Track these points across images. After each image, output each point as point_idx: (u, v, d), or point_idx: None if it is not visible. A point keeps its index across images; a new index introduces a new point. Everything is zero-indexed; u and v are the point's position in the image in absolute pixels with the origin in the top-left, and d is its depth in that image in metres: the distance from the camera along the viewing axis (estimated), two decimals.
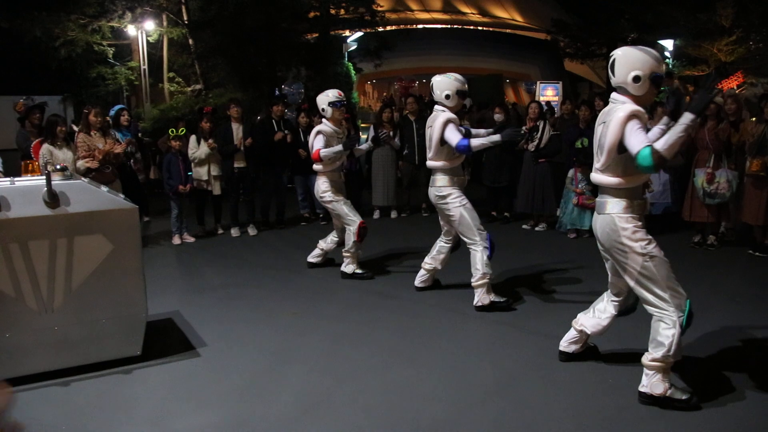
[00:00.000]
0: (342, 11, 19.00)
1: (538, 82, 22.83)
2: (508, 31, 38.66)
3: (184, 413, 3.93)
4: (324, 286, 6.60)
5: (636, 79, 3.70)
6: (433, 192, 5.83)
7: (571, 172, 8.49)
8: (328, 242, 7.19)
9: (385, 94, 30.15)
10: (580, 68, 32.51)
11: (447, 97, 5.68)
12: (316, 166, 6.72)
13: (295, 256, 7.68)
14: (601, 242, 4.01)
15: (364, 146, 7.44)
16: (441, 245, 6.18)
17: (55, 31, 16.08)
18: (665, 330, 3.75)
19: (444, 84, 5.69)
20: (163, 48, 18.71)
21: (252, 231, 9.09)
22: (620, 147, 3.72)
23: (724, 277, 6.65)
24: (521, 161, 9.16)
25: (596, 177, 3.97)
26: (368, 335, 5.20)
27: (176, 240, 8.55)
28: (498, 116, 9.44)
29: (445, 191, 5.72)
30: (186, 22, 17.79)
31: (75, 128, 8.37)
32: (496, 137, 5.62)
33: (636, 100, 3.76)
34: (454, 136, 5.52)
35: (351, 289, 6.43)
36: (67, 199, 4.36)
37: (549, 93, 21.69)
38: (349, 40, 20.77)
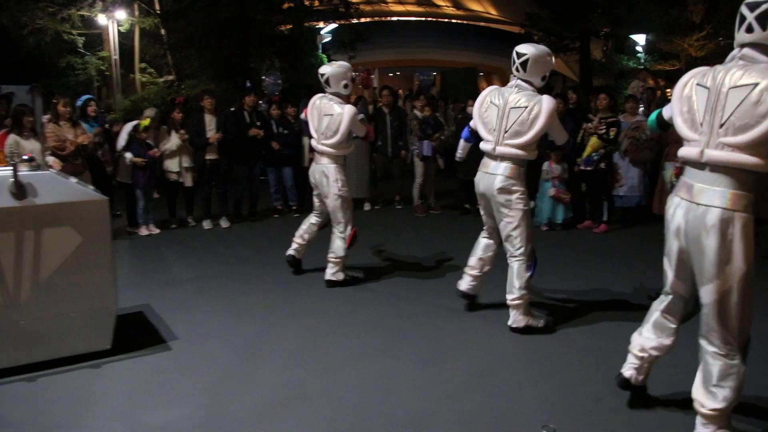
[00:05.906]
0: (316, 3, 18.94)
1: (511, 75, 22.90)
2: (482, 24, 38.82)
3: (156, 408, 3.88)
4: (297, 278, 6.56)
5: None
6: (499, 181, 4.94)
7: (545, 165, 8.50)
8: (306, 230, 6.52)
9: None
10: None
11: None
12: (336, 151, 5.94)
13: (268, 249, 7.63)
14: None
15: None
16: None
17: (23, 19, 15.81)
18: None
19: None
20: (134, 38, 18.48)
21: (224, 223, 9.00)
22: None
23: None
24: None
25: (727, 156, 2.98)
26: (343, 327, 5.18)
27: (143, 231, 8.46)
28: (471, 109, 9.44)
29: (516, 186, 4.98)
30: (158, 12, 17.59)
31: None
32: None
33: None
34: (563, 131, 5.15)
35: (324, 281, 6.40)
36: (35, 190, 4.27)
37: None
38: (323, 32, 20.72)
